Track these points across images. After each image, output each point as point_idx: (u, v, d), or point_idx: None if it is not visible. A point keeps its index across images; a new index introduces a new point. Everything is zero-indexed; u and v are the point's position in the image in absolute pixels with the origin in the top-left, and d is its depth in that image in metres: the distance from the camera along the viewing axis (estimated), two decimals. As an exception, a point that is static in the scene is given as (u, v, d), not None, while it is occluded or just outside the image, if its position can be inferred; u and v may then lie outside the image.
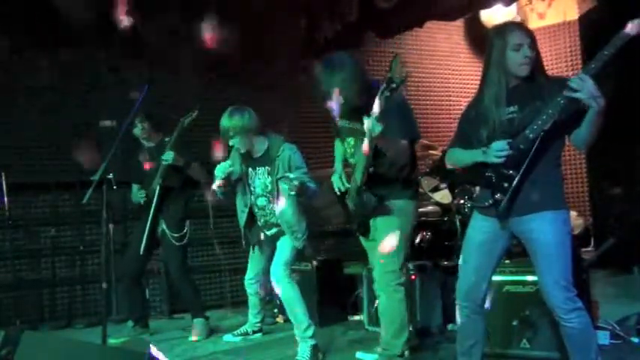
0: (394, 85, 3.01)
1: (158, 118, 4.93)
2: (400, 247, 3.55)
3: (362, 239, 3.84)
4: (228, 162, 4.18)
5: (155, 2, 5.65)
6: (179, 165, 4.64)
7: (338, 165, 3.88)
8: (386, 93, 3.04)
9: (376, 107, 3.09)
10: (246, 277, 4.64)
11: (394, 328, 3.58)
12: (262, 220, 4.26)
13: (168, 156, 4.58)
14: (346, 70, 3.41)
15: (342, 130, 3.73)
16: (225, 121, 4.11)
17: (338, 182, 3.74)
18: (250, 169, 4.24)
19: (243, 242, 4.43)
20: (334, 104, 3.50)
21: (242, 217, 4.33)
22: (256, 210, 4.26)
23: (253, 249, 4.48)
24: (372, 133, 3.11)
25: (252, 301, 4.72)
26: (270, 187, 4.14)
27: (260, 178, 4.19)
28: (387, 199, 3.53)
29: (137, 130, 4.83)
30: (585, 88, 2.50)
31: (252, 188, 4.24)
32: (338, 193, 3.76)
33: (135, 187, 4.98)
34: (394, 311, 3.59)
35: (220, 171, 4.09)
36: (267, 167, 4.15)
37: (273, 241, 4.26)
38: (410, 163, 3.60)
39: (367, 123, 3.09)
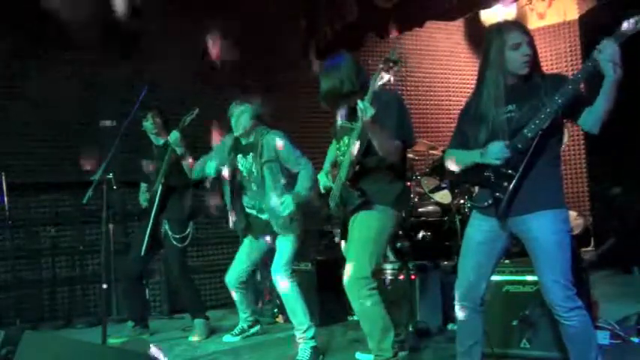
0: (390, 64, 3.04)
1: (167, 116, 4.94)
2: (373, 252, 3.43)
3: (342, 243, 3.74)
4: (213, 160, 4.32)
5: (156, 3, 5.66)
6: (178, 151, 4.62)
7: (326, 164, 3.87)
8: (382, 72, 3.07)
9: (370, 87, 3.12)
10: (228, 275, 4.55)
11: (377, 333, 3.47)
12: (250, 205, 4.29)
13: (174, 135, 4.58)
14: (344, 68, 3.44)
15: (340, 129, 3.72)
16: (232, 106, 4.28)
17: (324, 180, 3.73)
18: (240, 156, 4.27)
19: (231, 225, 4.41)
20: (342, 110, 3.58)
21: (227, 199, 4.35)
22: (247, 196, 4.28)
23: (245, 235, 4.45)
24: (365, 116, 3.09)
25: (237, 297, 4.63)
26: (255, 173, 4.16)
27: (250, 162, 4.22)
28: (370, 200, 3.43)
29: (148, 124, 4.82)
30: (608, 51, 2.48)
31: (244, 174, 4.26)
32: (323, 191, 3.74)
33: (143, 186, 4.99)
34: (372, 317, 3.47)
35: (211, 172, 4.28)
36: (252, 153, 4.21)
37: (265, 226, 4.24)
38: (398, 168, 3.51)
39: (361, 105, 3.09)
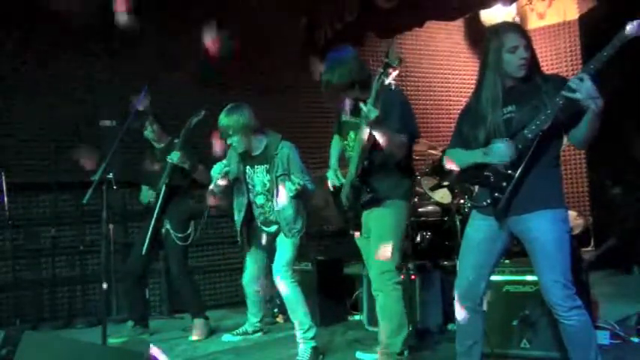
0: (390, 70, 3.08)
1: (164, 119, 4.93)
2: (395, 245, 3.54)
3: (355, 237, 3.81)
4: (224, 162, 4.17)
5: (155, 3, 5.65)
6: (185, 168, 4.64)
7: (333, 161, 3.90)
8: (383, 76, 3.09)
9: (373, 91, 3.15)
10: (244, 277, 4.65)
11: (393, 326, 3.57)
12: (261, 218, 4.26)
13: (175, 156, 4.59)
14: (346, 61, 3.46)
15: (345, 124, 3.74)
16: (223, 120, 4.10)
17: (333, 178, 3.75)
18: (248, 168, 4.24)
19: (239, 241, 4.42)
20: (346, 101, 3.62)
21: (239, 217, 4.33)
22: (255, 208, 4.26)
23: (249, 248, 4.48)
24: (368, 118, 3.14)
25: (251, 299, 4.72)
26: (268, 185, 4.15)
27: (259, 176, 4.19)
28: (380, 196, 3.52)
29: (148, 133, 4.84)
30: (584, 89, 2.51)
31: (250, 187, 4.25)
32: (332, 189, 3.76)
33: (144, 188, 4.98)
34: (392, 310, 3.58)
35: (216, 171, 4.10)
36: (265, 165, 4.15)
37: (272, 239, 4.25)
38: (406, 162, 3.59)
39: (364, 108, 3.13)
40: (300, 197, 4.06)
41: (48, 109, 5.55)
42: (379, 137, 3.31)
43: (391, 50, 3.09)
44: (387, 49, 3.12)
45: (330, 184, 3.79)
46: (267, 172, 4.14)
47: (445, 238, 5.13)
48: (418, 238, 5.11)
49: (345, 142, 3.74)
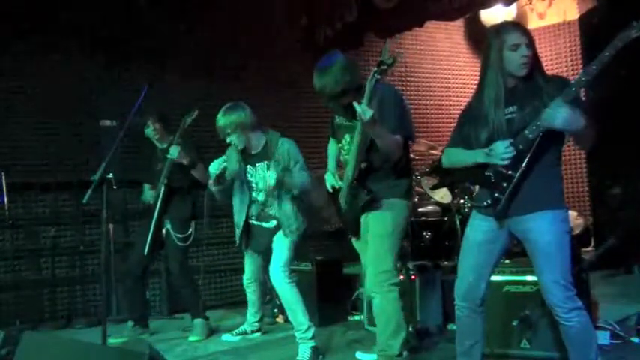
0: (384, 67, 3.06)
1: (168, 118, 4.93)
2: (392, 246, 3.50)
3: (353, 240, 3.79)
4: (222, 158, 4.18)
5: (155, 2, 5.66)
6: (184, 163, 4.64)
7: (332, 164, 3.89)
8: (376, 75, 3.08)
9: (367, 90, 3.14)
10: (244, 278, 4.65)
11: (390, 328, 3.51)
12: (261, 214, 4.27)
13: (174, 151, 4.58)
14: (337, 67, 3.42)
15: (340, 127, 3.73)
16: (221, 120, 4.13)
17: (331, 180, 3.75)
18: (249, 166, 4.25)
19: (237, 241, 4.42)
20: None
21: (241, 216, 4.33)
22: (256, 206, 4.27)
23: (248, 249, 4.47)
24: (364, 118, 3.11)
25: (251, 299, 4.72)
26: (269, 182, 4.15)
27: (259, 174, 4.21)
28: (379, 197, 3.49)
29: (149, 131, 4.83)
30: (558, 118, 2.55)
31: (252, 185, 4.25)
32: (331, 191, 3.76)
33: (146, 187, 4.98)
34: (389, 311, 3.51)
35: (214, 168, 4.11)
36: (265, 162, 4.17)
37: (269, 237, 4.24)
38: (404, 163, 3.56)
39: (358, 108, 3.11)
40: (283, 187, 4.07)
41: (48, 109, 5.55)
42: (375, 138, 3.29)
43: (385, 49, 3.07)
44: (383, 47, 3.11)
45: (328, 186, 3.78)
46: (268, 168, 4.15)
47: (445, 238, 5.13)
48: (418, 238, 5.11)
49: (340, 145, 3.73)
